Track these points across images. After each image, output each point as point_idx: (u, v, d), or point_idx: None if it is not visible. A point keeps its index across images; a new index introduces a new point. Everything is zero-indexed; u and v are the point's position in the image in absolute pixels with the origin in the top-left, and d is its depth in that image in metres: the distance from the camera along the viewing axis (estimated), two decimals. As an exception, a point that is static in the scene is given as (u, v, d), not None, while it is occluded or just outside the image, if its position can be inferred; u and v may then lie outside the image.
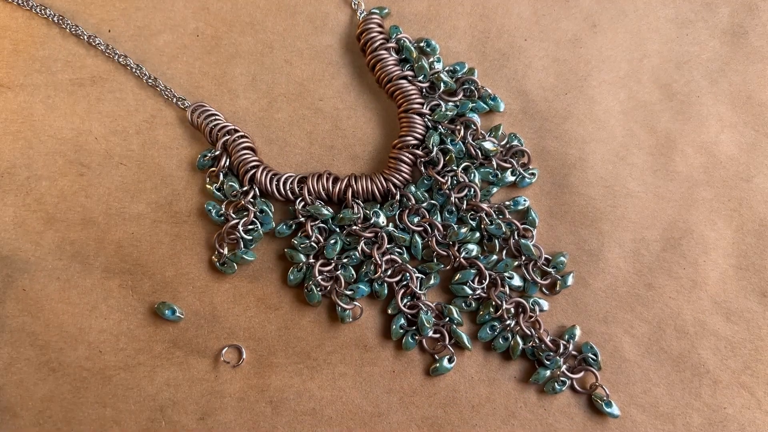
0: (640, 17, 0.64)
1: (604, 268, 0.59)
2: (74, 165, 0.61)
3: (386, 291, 0.58)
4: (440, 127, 0.61)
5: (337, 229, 0.59)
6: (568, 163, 0.61)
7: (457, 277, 0.58)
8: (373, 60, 0.62)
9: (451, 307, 0.58)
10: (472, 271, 0.58)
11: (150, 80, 0.63)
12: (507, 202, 0.60)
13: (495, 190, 0.60)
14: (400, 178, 0.60)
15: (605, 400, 0.57)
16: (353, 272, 0.58)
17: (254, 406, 0.58)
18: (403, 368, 0.58)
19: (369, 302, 0.59)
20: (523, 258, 0.59)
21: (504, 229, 0.59)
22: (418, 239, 0.59)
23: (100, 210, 0.60)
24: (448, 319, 0.58)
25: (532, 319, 0.58)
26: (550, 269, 0.59)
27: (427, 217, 0.59)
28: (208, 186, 0.60)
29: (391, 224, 0.59)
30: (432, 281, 0.58)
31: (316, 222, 0.59)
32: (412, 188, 0.60)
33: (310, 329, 0.59)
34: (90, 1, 0.64)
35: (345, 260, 0.58)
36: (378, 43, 0.62)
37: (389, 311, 0.59)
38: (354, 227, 0.59)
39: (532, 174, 0.61)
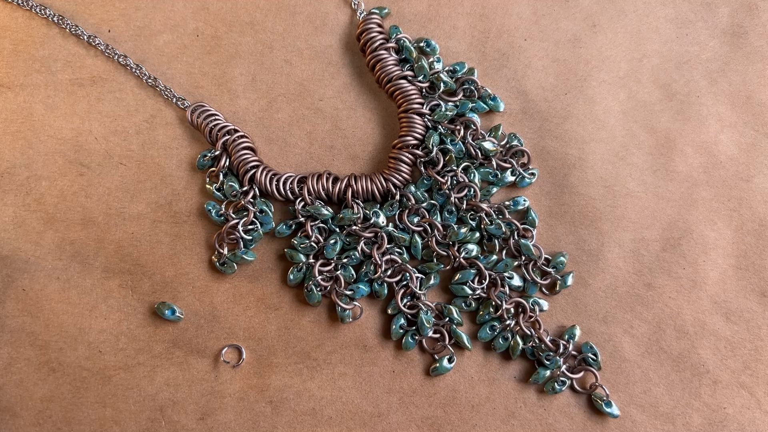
0: (640, 17, 0.64)
1: (603, 268, 0.59)
2: (74, 165, 0.61)
3: (386, 291, 0.58)
4: (440, 127, 0.61)
5: (337, 229, 0.59)
6: (568, 163, 0.61)
7: (457, 277, 0.58)
8: (373, 60, 0.62)
9: (451, 307, 0.58)
10: (472, 271, 0.58)
11: (150, 80, 0.63)
12: (507, 202, 0.60)
13: (495, 190, 0.60)
14: (400, 178, 0.60)
15: (605, 400, 0.57)
16: (353, 272, 0.58)
17: (254, 406, 0.58)
18: (403, 368, 0.58)
19: (369, 302, 0.59)
20: (523, 258, 0.59)
21: (504, 229, 0.59)
22: (418, 239, 0.59)
23: (100, 210, 0.60)
24: (448, 319, 0.58)
25: (532, 319, 0.58)
26: (549, 269, 0.59)
27: (427, 217, 0.59)
28: (208, 186, 0.60)
29: (390, 224, 0.59)
30: (432, 281, 0.58)
31: (316, 222, 0.59)
32: (412, 188, 0.60)
33: (310, 329, 0.59)
34: (90, 1, 0.64)
35: (345, 260, 0.58)
36: (378, 43, 0.62)
37: (389, 311, 0.59)
38: (354, 227, 0.59)
39: (532, 174, 0.61)
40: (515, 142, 0.61)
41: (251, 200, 0.60)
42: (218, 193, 0.60)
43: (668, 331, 0.58)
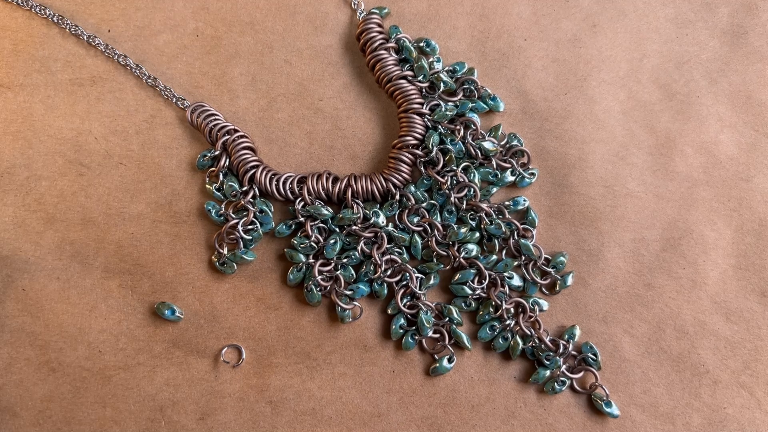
0: (640, 17, 0.64)
1: (603, 268, 0.59)
2: (74, 165, 0.61)
3: (386, 291, 0.58)
4: (440, 127, 0.61)
5: (337, 229, 0.59)
6: (568, 163, 0.61)
7: (456, 277, 0.58)
8: (372, 60, 0.62)
9: (451, 307, 0.58)
10: (472, 271, 0.58)
11: (150, 80, 0.63)
12: (507, 202, 0.60)
13: (495, 190, 0.60)
14: (400, 178, 0.60)
15: (605, 400, 0.57)
16: (353, 272, 0.58)
17: (254, 406, 0.58)
18: (403, 368, 0.58)
19: (369, 302, 0.59)
20: (523, 258, 0.59)
21: (504, 229, 0.59)
22: (418, 239, 0.59)
23: (100, 210, 0.60)
24: (447, 319, 0.58)
25: (532, 319, 0.58)
26: (549, 269, 0.59)
27: (427, 217, 0.59)
28: (208, 186, 0.60)
29: (390, 224, 0.59)
30: (432, 281, 0.58)
31: (316, 222, 0.59)
32: (412, 188, 0.60)
33: (309, 329, 0.59)
34: (90, 1, 0.64)
35: (345, 260, 0.58)
36: (378, 43, 0.62)
37: (389, 311, 0.59)
38: (354, 227, 0.59)
39: (532, 174, 0.61)
40: (515, 142, 0.61)
41: (251, 200, 0.60)
42: (218, 193, 0.60)
43: (668, 331, 0.58)
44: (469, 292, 0.58)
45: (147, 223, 0.60)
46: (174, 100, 0.62)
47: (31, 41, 0.63)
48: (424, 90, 0.62)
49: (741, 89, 0.62)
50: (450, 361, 0.58)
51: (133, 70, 0.63)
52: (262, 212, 0.60)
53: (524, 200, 0.60)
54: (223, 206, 0.60)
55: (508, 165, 0.60)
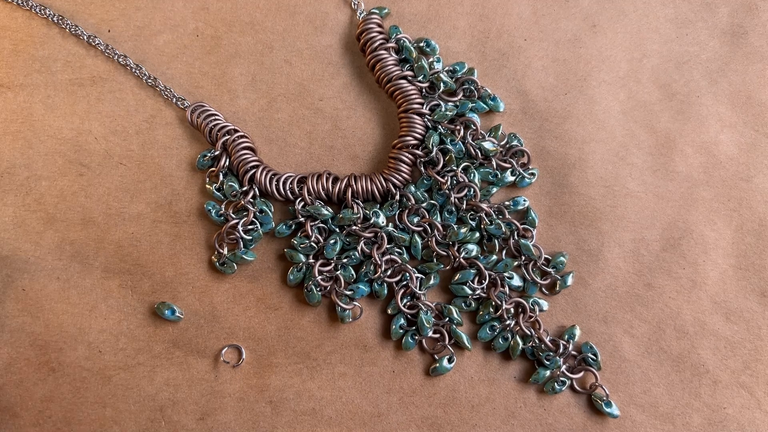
0: (640, 17, 0.64)
1: (603, 268, 0.59)
2: (74, 165, 0.61)
3: (386, 291, 0.58)
4: (440, 127, 0.61)
5: (337, 229, 0.59)
6: (568, 163, 0.61)
7: (456, 277, 0.58)
8: (372, 60, 0.62)
9: (450, 307, 0.58)
10: (472, 271, 0.58)
11: (150, 80, 0.63)
12: (507, 202, 0.60)
13: (495, 190, 0.60)
14: (400, 178, 0.60)
15: (605, 400, 0.57)
16: (353, 272, 0.58)
17: (254, 406, 0.58)
18: (403, 368, 0.58)
19: (369, 302, 0.59)
20: (523, 258, 0.59)
21: (504, 229, 0.59)
22: (418, 239, 0.59)
23: (99, 210, 0.60)
24: (447, 319, 0.58)
25: (532, 319, 0.58)
26: (549, 269, 0.59)
27: (427, 217, 0.59)
28: (208, 186, 0.60)
29: (390, 224, 0.59)
30: (432, 281, 0.58)
31: (316, 222, 0.59)
32: (412, 188, 0.60)
33: (309, 329, 0.59)
34: (90, 1, 0.64)
35: (345, 260, 0.58)
36: (378, 43, 0.62)
37: (389, 311, 0.59)
38: (354, 227, 0.59)
39: (532, 174, 0.61)
40: (515, 142, 0.61)
41: (251, 200, 0.60)
42: (218, 193, 0.60)
43: (668, 331, 0.58)
44: (469, 292, 0.58)
45: (147, 223, 0.60)
46: (174, 100, 0.62)
47: (31, 41, 0.63)
48: (424, 90, 0.62)
49: (741, 89, 0.62)
50: (450, 361, 0.58)
51: (133, 70, 0.63)
52: (262, 212, 0.60)
53: (524, 200, 0.60)
54: (223, 206, 0.60)
55: (508, 165, 0.60)
